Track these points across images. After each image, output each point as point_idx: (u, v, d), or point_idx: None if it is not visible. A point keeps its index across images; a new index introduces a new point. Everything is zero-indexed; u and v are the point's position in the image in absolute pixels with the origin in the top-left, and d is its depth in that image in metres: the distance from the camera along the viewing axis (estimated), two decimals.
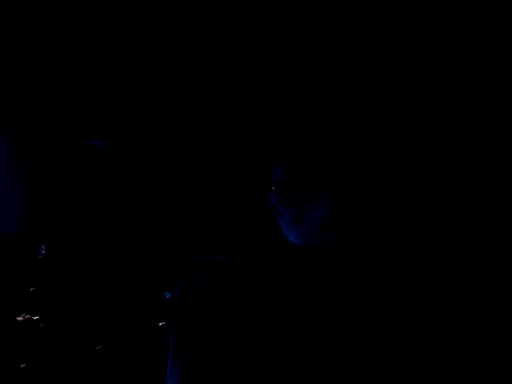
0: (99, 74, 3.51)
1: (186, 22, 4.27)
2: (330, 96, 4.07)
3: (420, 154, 3.90)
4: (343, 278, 2.22)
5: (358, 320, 2.17)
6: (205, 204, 2.78)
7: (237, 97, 4.26)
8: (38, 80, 3.44)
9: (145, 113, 3.25)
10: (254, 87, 4.25)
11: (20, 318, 3.24)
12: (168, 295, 2.76)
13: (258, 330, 2.22)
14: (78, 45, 3.47)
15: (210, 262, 2.61)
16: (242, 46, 4.22)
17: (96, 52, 3.49)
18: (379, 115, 3.97)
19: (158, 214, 2.79)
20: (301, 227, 2.29)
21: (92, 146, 2.62)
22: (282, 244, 2.30)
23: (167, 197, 2.78)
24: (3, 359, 3.26)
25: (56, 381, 3.33)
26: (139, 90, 3.57)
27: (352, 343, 2.17)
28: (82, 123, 3.12)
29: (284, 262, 2.28)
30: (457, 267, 3.62)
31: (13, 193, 2.54)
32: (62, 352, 3.37)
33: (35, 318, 3.26)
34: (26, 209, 2.59)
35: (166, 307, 2.80)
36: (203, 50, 4.24)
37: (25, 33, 3.57)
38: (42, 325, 3.24)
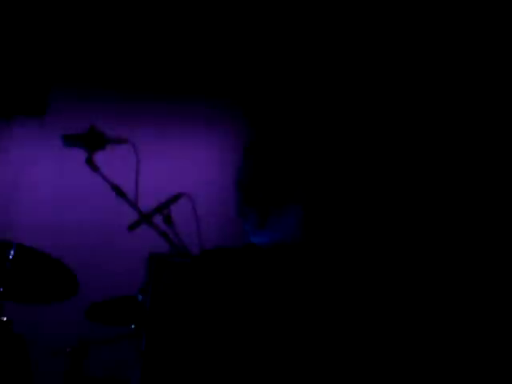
0: None
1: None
2: (306, 93, 4.00)
3: (398, 156, 3.82)
4: (311, 278, 2.16)
5: (327, 320, 2.12)
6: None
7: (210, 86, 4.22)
8: None
9: None
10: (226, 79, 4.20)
11: None
12: (139, 297, 2.71)
13: (229, 331, 2.17)
14: None
15: (180, 263, 2.56)
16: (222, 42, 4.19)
17: None
18: (356, 115, 3.90)
19: None
20: (265, 228, 2.23)
21: None
22: (247, 245, 2.26)
23: None
24: None
25: None
26: None
27: (321, 345, 2.11)
28: None
29: (250, 262, 2.23)
30: (443, 267, 3.55)
31: None
32: None
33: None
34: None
35: (138, 309, 2.75)
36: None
37: None
38: None
